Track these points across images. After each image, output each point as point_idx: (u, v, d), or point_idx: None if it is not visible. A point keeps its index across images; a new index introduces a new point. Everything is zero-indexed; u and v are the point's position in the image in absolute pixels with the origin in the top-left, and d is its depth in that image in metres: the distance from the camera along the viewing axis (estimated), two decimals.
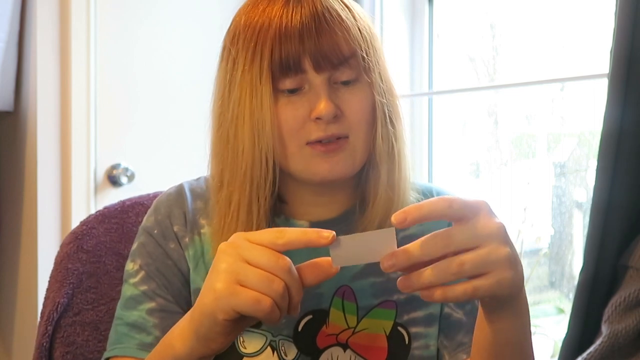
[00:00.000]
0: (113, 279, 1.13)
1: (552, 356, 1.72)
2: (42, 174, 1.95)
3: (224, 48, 0.91)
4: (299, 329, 0.91)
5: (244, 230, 0.85)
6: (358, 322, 0.92)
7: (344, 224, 0.93)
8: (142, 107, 2.06)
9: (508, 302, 0.73)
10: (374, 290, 0.93)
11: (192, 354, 0.75)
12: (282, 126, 0.85)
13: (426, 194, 0.98)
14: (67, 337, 1.10)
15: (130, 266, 0.95)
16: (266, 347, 0.91)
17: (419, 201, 0.70)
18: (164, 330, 0.87)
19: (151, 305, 0.91)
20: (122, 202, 1.20)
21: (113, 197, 1.88)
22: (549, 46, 1.85)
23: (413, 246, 0.67)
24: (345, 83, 0.87)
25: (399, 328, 0.93)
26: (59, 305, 1.09)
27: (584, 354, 1.16)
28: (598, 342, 1.15)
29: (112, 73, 2.02)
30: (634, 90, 1.21)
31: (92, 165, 1.99)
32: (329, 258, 0.71)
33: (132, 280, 0.93)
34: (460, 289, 0.67)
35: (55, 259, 1.14)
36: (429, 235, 0.67)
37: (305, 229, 0.70)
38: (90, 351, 1.10)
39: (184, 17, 2.11)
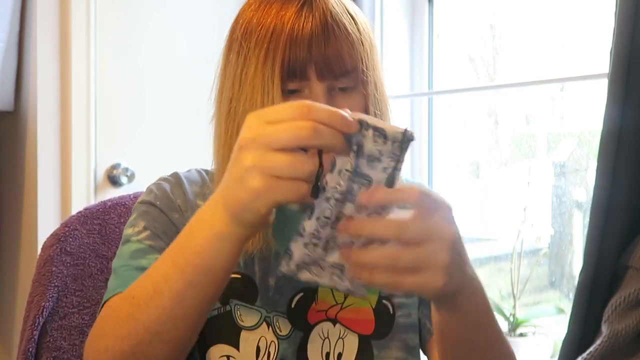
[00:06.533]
0: (97, 282, 1.11)
1: (552, 356, 1.72)
2: (42, 174, 1.94)
3: (234, 40, 0.93)
4: (292, 305, 0.95)
5: None
6: (345, 298, 0.96)
7: None
8: (142, 107, 2.06)
9: (441, 301, 0.75)
10: None
11: (236, 233, 0.72)
12: None
13: None
14: (53, 342, 1.07)
15: (130, 230, 0.93)
16: (262, 322, 0.94)
17: None
18: None
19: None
20: (104, 203, 1.17)
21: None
22: (549, 46, 1.85)
23: (374, 222, 0.68)
24: (343, 89, 0.91)
25: (384, 301, 0.98)
26: (44, 309, 1.06)
27: (584, 354, 1.16)
28: (598, 342, 1.15)
29: (112, 73, 2.02)
30: (634, 90, 1.21)
31: (92, 165, 1.99)
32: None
33: (136, 238, 0.92)
34: (383, 278, 0.68)
35: (38, 262, 1.11)
36: (387, 219, 0.68)
37: (331, 109, 0.66)
38: (77, 355, 1.08)
39: (184, 17, 2.11)
